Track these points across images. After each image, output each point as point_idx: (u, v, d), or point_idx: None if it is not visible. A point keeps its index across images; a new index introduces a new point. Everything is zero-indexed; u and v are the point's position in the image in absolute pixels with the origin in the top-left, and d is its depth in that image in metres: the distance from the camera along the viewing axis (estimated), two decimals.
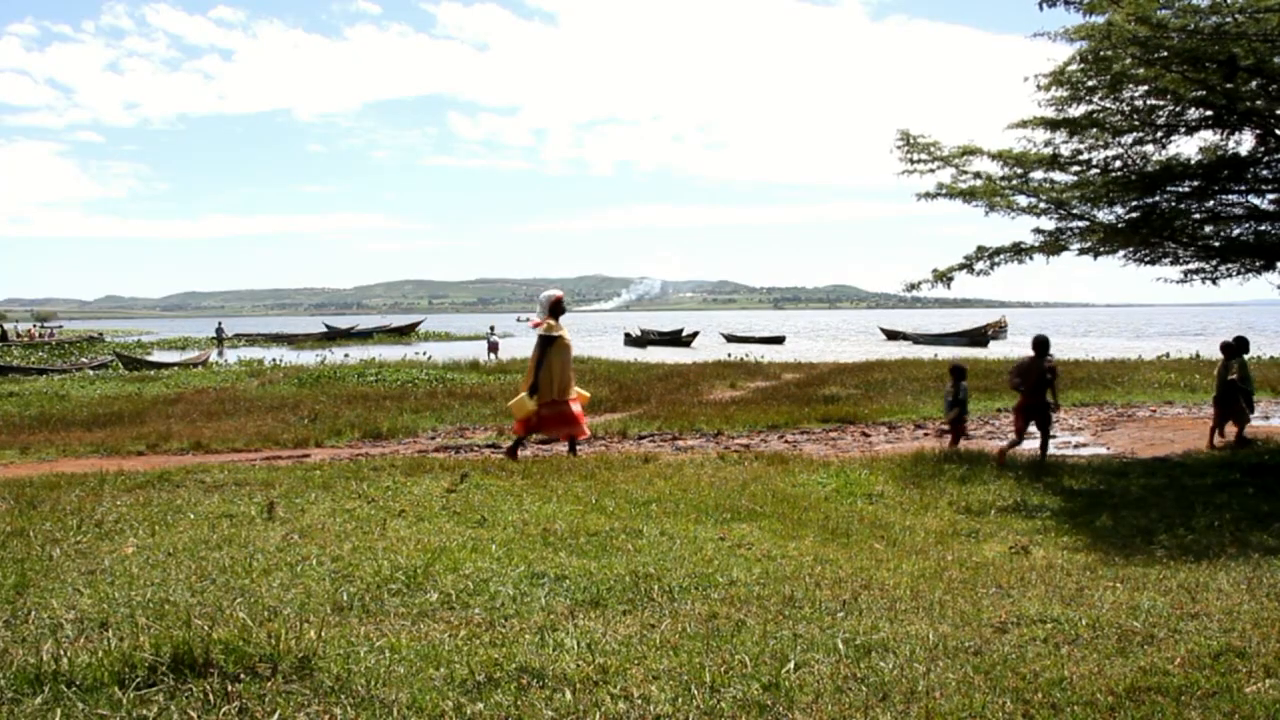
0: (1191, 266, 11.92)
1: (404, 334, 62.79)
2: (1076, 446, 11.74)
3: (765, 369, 24.93)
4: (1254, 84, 9.58)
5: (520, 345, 48.23)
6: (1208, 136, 10.75)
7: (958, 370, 10.86)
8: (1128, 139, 10.83)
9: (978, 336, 50.14)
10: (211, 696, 3.20)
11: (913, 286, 11.87)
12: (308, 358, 34.89)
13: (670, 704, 3.28)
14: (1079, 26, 9.40)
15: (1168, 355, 29.90)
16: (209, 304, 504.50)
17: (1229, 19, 8.81)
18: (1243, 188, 11.06)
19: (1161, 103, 10.24)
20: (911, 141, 11.22)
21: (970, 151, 11.18)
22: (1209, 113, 10.21)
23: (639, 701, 3.30)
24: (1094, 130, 10.67)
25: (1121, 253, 11.77)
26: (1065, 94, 10.40)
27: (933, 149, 11.23)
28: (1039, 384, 9.78)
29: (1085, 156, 11.06)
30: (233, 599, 4.51)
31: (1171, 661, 3.70)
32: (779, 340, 52.96)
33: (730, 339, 54.60)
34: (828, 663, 3.69)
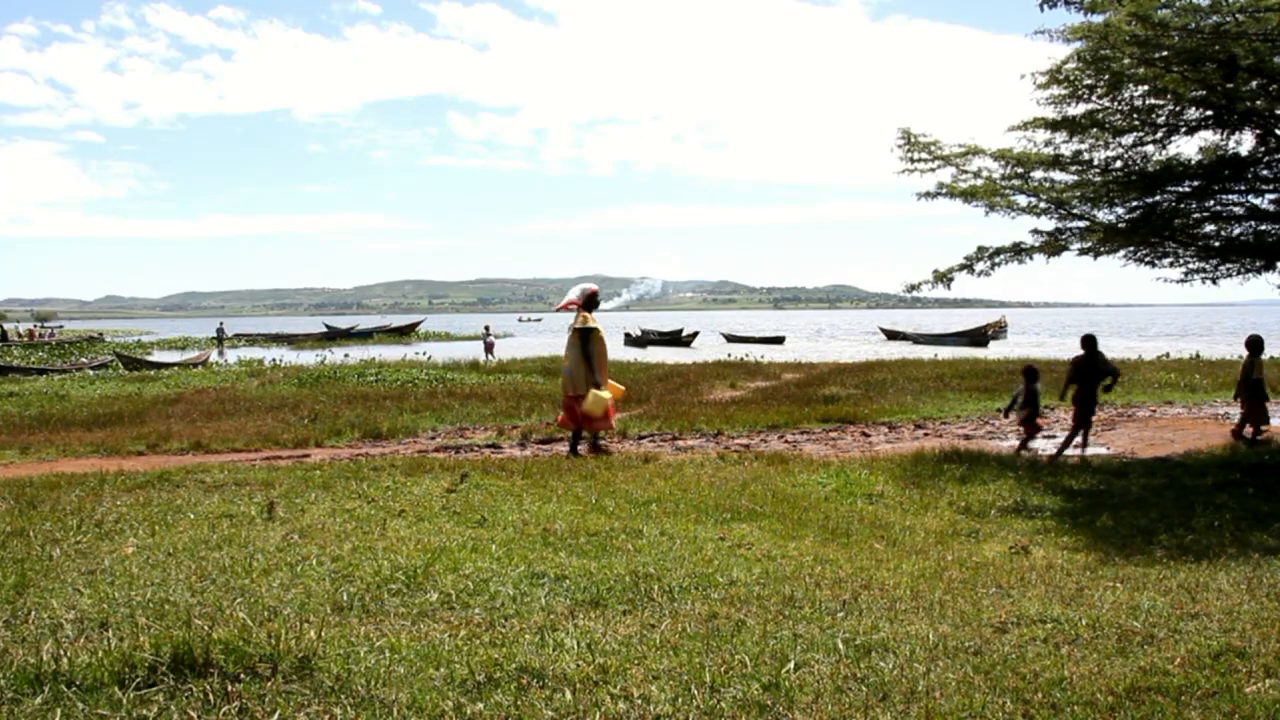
0: (1192, 266, 11.92)
1: (404, 334, 62.81)
2: (1076, 446, 11.73)
3: (765, 369, 24.93)
4: (1254, 84, 9.58)
5: (520, 345, 48.25)
6: (1208, 136, 10.76)
7: (1030, 371, 10.94)
8: (1128, 139, 10.83)
9: (978, 337, 50.13)
10: (211, 696, 3.20)
11: (913, 287, 11.88)
12: (308, 358, 34.90)
13: (670, 704, 3.28)
14: (1077, 26, 9.41)
15: (1168, 355, 29.90)
16: (209, 304, 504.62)
17: (1229, 18, 8.81)
18: (1243, 188, 11.06)
19: (1161, 102, 10.24)
20: (912, 140, 11.22)
21: (972, 151, 11.19)
22: (1209, 113, 10.21)
23: (639, 701, 3.30)
24: (1094, 130, 10.68)
25: (1122, 253, 11.77)
26: (1063, 92, 10.41)
27: (933, 148, 11.24)
28: (1091, 378, 10.06)
29: (1085, 156, 11.06)
30: (233, 599, 4.51)
31: (1171, 661, 3.70)
32: (779, 340, 52.96)
33: (730, 339, 54.60)
34: (828, 663, 3.69)
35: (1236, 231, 11.47)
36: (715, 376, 21.64)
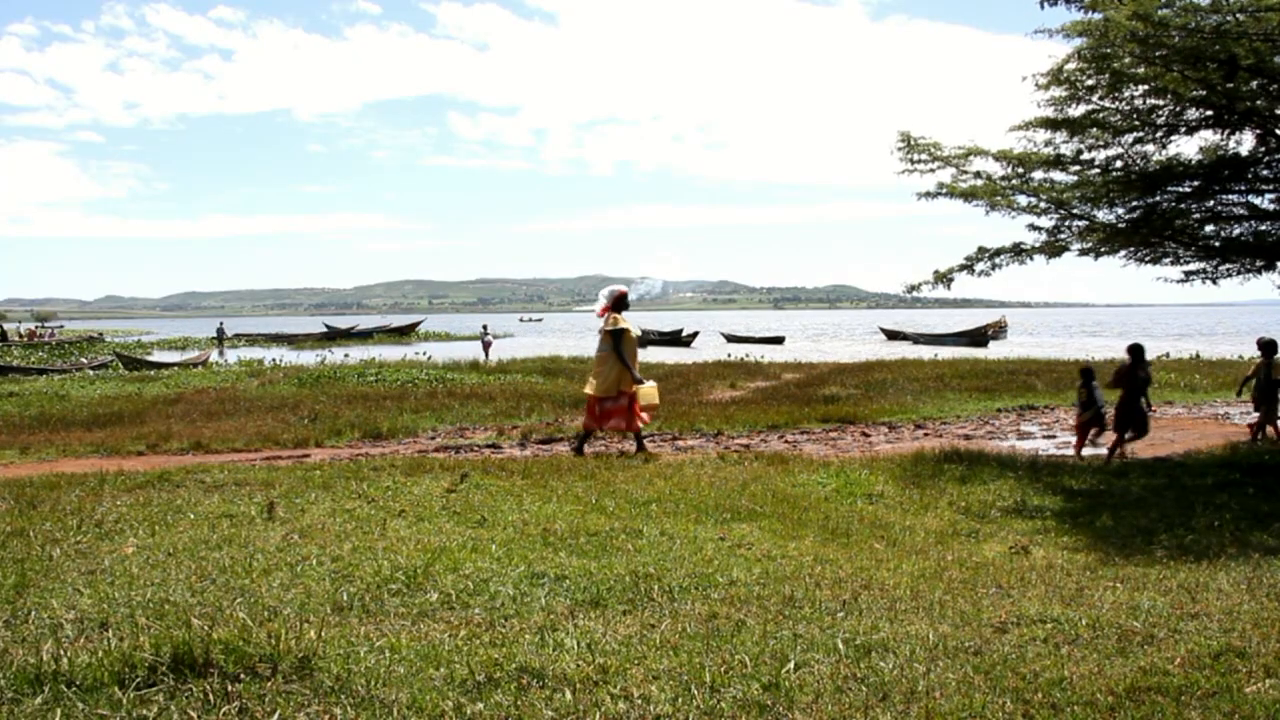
0: (1192, 266, 11.92)
1: (404, 334, 62.79)
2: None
3: (765, 369, 24.93)
4: (1254, 84, 9.58)
5: (520, 345, 48.25)
6: (1208, 136, 10.76)
7: (1087, 372, 10.97)
8: (1128, 139, 10.83)
9: (978, 337, 50.12)
10: (211, 696, 3.20)
11: (913, 288, 11.88)
12: (308, 358, 34.89)
13: (670, 704, 3.28)
14: (1077, 23, 9.40)
15: (1168, 355, 29.91)
16: (209, 304, 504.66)
17: (1229, 18, 8.81)
18: (1243, 187, 11.06)
19: (1162, 102, 10.25)
20: (912, 143, 11.22)
21: (972, 152, 11.19)
22: (1209, 112, 10.21)
23: (639, 701, 3.30)
24: (1094, 130, 10.68)
25: (1122, 253, 11.77)
26: (1064, 93, 10.41)
27: (933, 149, 11.24)
28: (1135, 385, 10.18)
29: (1086, 156, 11.06)
30: (233, 599, 4.51)
31: (1171, 661, 3.70)
32: (779, 340, 52.94)
33: (730, 339, 54.58)
34: (828, 663, 3.69)
35: (1236, 231, 11.47)
36: (715, 376, 21.64)
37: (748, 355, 33.53)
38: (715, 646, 3.88)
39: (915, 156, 11.25)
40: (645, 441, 10.73)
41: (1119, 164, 10.97)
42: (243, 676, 3.35)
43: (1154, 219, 10.98)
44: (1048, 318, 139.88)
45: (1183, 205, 11.22)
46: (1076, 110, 10.58)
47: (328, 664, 3.52)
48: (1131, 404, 10.18)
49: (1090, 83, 10.13)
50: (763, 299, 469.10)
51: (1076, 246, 11.50)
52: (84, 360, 35.45)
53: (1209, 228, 11.56)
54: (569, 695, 3.33)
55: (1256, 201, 11.24)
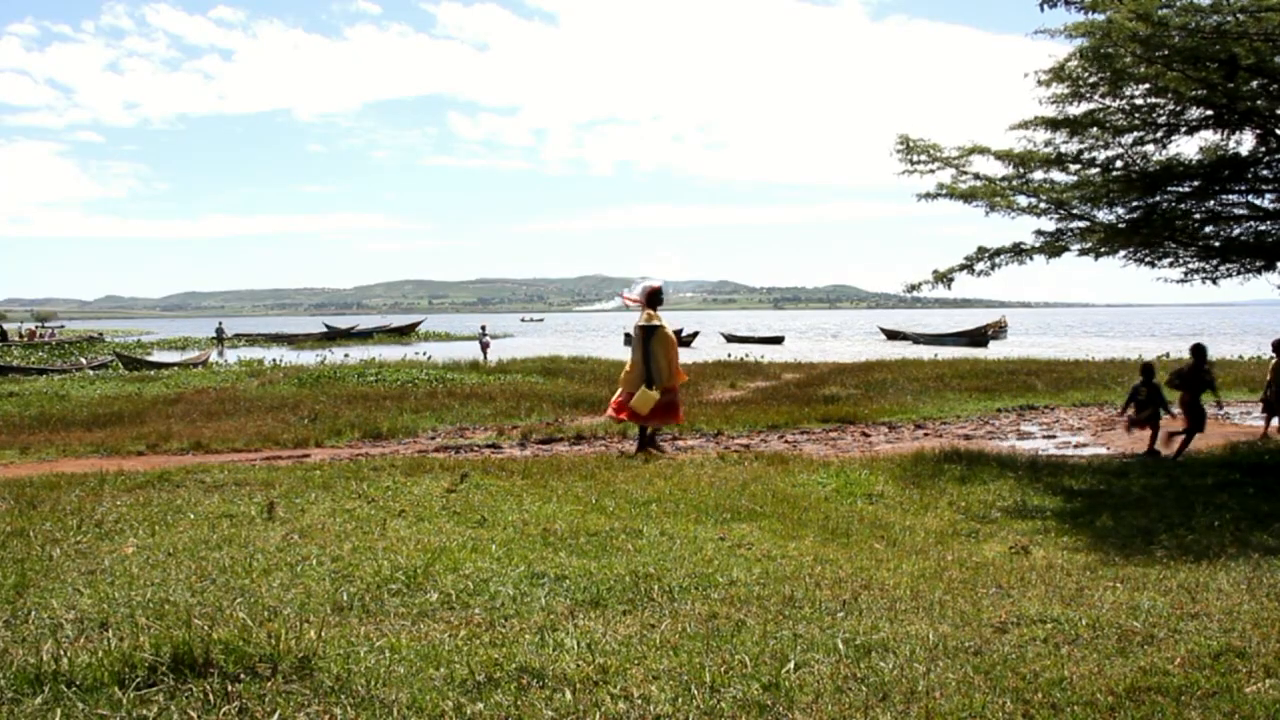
0: (1192, 267, 11.91)
1: (404, 334, 62.80)
2: (1076, 446, 11.74)
3: (765, 369, 24.93)
4: (1255, 84, 9.57)
5: (521, 345, 48.24)
6: (1208, 136, 10.75)
7: (1148, 368, 11.27)
8: (1128, 139, 10.82)
9: (978, 337, 50.12)
10: (211, 696, 3.20)
11: (913, 288, 11.87)
12: (308, 358, 34.89)
13: (670, 704, 3.28)
14: (1079, 23, 9.40)
15: (1168, 355, 29.89)
16: (209, 304, 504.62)
17: (1230, 18, 8.80)
18: (1243, 188, 11.05)
19: (1162, 102, 10.24)
20: (911, 146, 11.22)
21: (974, 151, 11.19)
22: (1209, 112, 10.21)
23: (639, 701, 3.30)
24: (1094, 130, 10.67)
25: (1122, 253, 11.76)
26: (1066, 91, 10.40)
27: (932, 150, 11.23)
28: (1197, 385, 10.56)
29: (1086, 156, 11.05)
30: (233, 599, 4.51)
31: (1171, 661, 3.70)
32: (779, 340, 52.94)
33: (730, 339, 54.56)
34: (828, 663, 3.69)
35: (1236, 231, 11.46)
36: (715, 376, 21.64)
37: (748, 355, 33.53)
38: (715, 646, 3.88)
39: (914, 158, 11.25)
40: (646, 441, 10.75)
41: (1119, 164, 10.96)
42: (243, 676, 3.35)
43: (1154, 219, 10.97)
44: (1048, 318, 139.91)
45: (1183, 205, 11.22)
46: (1077, 109, 10.57)
47: (328, 664, 3.52)
48: (1196, 402, 10.58)
49: (1093, 81, 10.12)
50: (763, 299, 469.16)
51: (1076, 246, 11.49)
52: (84, 360, 35.44)
53: (1209, 228, 11.55)
54: (569, 695, 3.33)
55: (1256, 201, 11.24)
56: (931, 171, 11.35)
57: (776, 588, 4.90)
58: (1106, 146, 10.95)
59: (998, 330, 59.02)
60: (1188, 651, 3.82)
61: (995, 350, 40.12)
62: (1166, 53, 9.04)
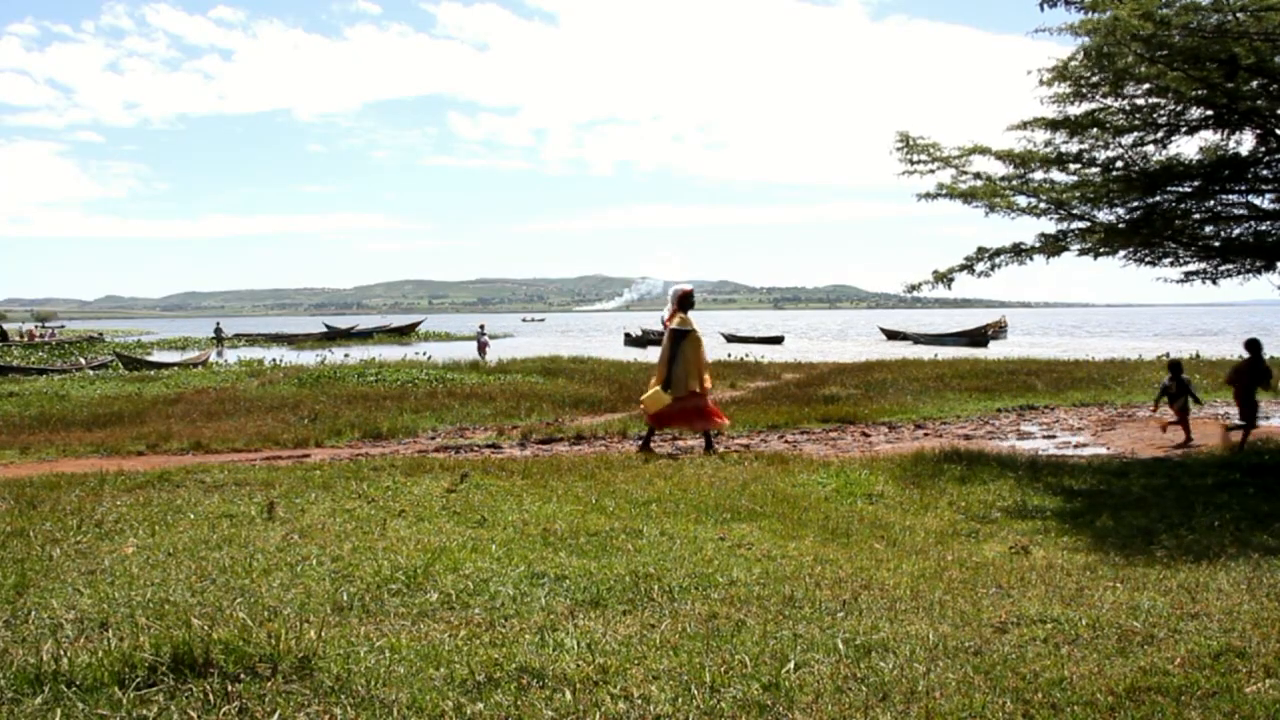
0: (1192, 267, 11.91)
1: (404, 334, 62.81)
2: (1076, 446, 11.73)
3: (765, 369, 24.93)
4: (1255, 83, 9.57)
5: (521, 345, 48.24)
6: (1208, 136, 10.74)
7: (1176, 365, 11.72)
8: (1128, 139, 10.82)
9: (978, 336, 50.12)
10: (211, 696, 3.20)
11: (913, 288, 11.86)
12: (308, 358, 34.88)
13: (670, 704, 3.28)
14: (1083, 21, 9.39)
15: (1167, 355, 29.89)
16: (209, 304, 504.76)
17: (1230, 17, 8.80)
18: (1243, 188, 11.05)
19: (1163, 101, 10.23)
20: (911, 144, 11.21)
21: (974, 151, 11.18)
22: (1210, 112, 10.20)
23: (639, 701, 3.30)
24: (1095, 130, 10.66)
25: (1122, 253, 11.75)
26: (1068, 90, 10.40)
27: (932, 150, 11.23)
28: (1253, 380, 10.78)
29: (1086, 156, 11.05)
30: (233, 599, 4.52)
31: (1171, 661, 3.70)
32: (779, 340, 52.94)
33: (730, 339, 54.57)
34: (828, 663, 3.69)
35: (1236, 232, 11.46)
36: (715, 376, 21.50)
37: (748, 355, 33.52)
38: (715, 646, 3.88)
39: (914, 157, 11.24)
40: (650, 442, 10.77)
41: (1119, 164, 10.96)
42: (243, 676, 3.35)
43: (1154, 219, 10.96)
44: (1048, 318, 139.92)
45: (1183, 205, 11.21)
46: (1078, 108, 10.57)
47: (328, 664, 3.52)
48: (1251, 396, 10.78)
49: (1095, 80, 10.11)
50: (763, 299, 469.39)
51: (1076, 246, 11.48)
52: (84, 360, 35.44)
53: (1209, 228, 11.55)
54: (569, 695, 3.33)
55: (1256, 201, 11.23)
56: (931, 171, 11.35)
57: (776, 588, 4.90)
58: (1107, 146, 10.95)
59: (998, 330, 59.03)
60: (1188, 651, 3.82)
61: (995, 350, 40.12)
62: (1167, 52, 9.04)
